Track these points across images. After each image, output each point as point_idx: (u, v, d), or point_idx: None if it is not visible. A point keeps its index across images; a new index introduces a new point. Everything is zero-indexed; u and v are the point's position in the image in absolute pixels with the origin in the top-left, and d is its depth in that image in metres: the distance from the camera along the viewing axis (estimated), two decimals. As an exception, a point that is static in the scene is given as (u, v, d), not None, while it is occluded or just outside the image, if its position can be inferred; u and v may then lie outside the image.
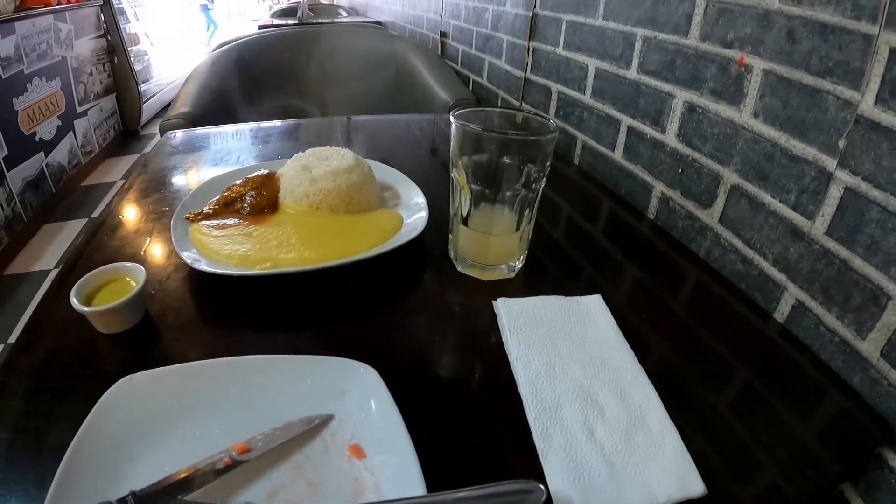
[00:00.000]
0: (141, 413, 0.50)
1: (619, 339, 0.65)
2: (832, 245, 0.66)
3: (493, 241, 0.75)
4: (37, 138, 3.21)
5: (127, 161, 4.26)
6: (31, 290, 2.54)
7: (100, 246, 0.85)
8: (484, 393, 0.60)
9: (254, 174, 0.93)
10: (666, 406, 0.56)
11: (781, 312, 0.74)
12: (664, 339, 0.70)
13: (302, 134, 1.49)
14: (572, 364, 0.61)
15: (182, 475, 0.45)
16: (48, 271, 2.70)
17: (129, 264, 0.68)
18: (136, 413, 0.50)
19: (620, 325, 0.68)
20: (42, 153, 3.26)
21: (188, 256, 0.73)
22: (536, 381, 0.58)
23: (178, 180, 1.13)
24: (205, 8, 7.11)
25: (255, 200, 0.86)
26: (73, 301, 0.61)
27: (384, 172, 0.99)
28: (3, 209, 2.75)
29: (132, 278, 0.67)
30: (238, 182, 0.91)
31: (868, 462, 0.61)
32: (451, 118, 0.70)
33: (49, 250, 2.89)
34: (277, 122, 1.56)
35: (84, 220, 3.23)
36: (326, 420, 0.52)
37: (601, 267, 0.86)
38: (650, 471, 0.49)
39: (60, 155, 3.51)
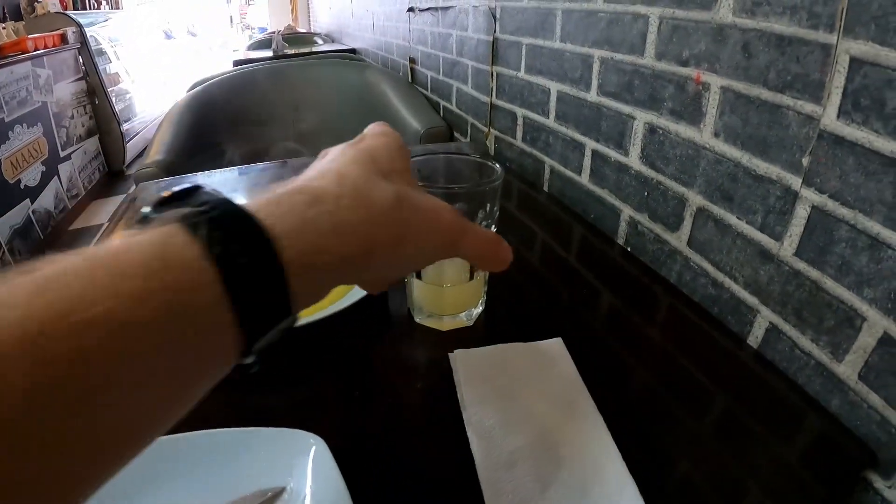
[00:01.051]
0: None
1: (579, 386, 0.61)
2: (802, 266, 0.63)
3: (447, 293, 0.71)
4: (21, 185, 3.19)
5: (113, 202, 4.23)
6: None
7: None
8: (436, 455, 0.56)
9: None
10: (640, 438, 0.55)
11: (755, 336, 0.71)
12: (638, 367, 0.67)
13: (275, 176, 1.45)
14: (530, 417, 0.58)
15: None
16: None
17: None
18: None
19: (590, 361, 0.64)
20: (28, 200, 3.24)
21: None
22: (490, 438, 0.55)
23: None
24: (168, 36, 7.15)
25: None
26: None
27: None
28: None
29: None
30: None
31: (854, 486, 0.59)
32: None
33: None
34: (263, 164, 1.51)
35: None
36: (279, 492, 0.49)
37: (571, 298, 0.83)
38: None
39: (46, 200, 3.49)
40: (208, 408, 0.59)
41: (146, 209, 0.28)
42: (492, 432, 0.55)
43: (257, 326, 0.27)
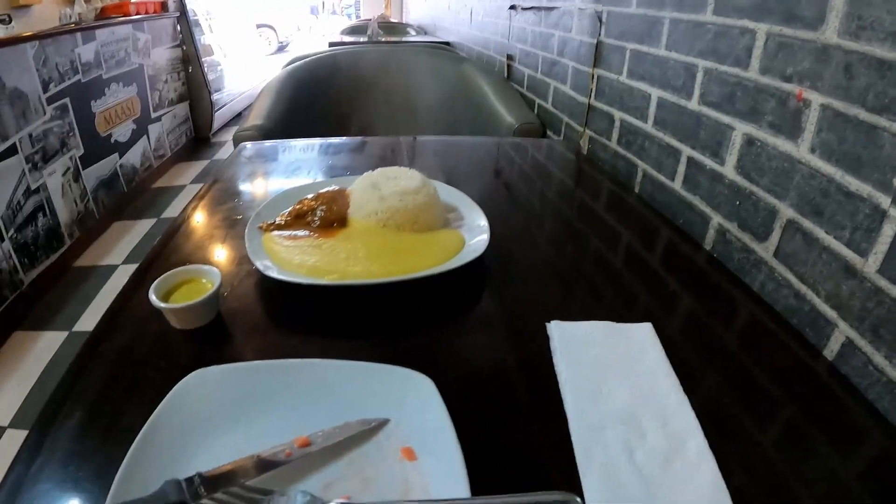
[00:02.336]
0: (210, 404, 0.57)
1: (667, 368, 0.68)
2: (884, 283, 0.67)
3: None
4: (112, 140, 3.49)
5: (197, 166, 4.53)
6: (98, 282, 2.75)
7: (176, 248, 0.97)
8: (532, 408, 0.64)
9: (324, 189, 1.01)
10: (709, 435, 0.59)
11: (831, 350, 0.75)
12: (713, 369, 0.72)
13: (368, 151, 1.59)
14: (619, 388, 0.64)
15: (246, 462, 0.52)
16: (116, 266, 2.91)
17: (205, 267, 0.76)
18: (205, 403, 0.57)
19: (670, 354, 0.71)
20: (116, 154, 3.55)
21: (261, 264, 0.81)
22: (583, 402, 0.62)
23: (250, 190, 1.25)
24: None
25: (325, 215, 0.94)
26: (152, 297, 0.70)
27: (449, 194, 1.05)
28: (76, 205, 3.00)
29: (208, 280, 0.75)
30: (309, 196, 0.99)
31: None
32: None
33: (118, 246, 3.13)
34: (345, 139, 1.65)
35: (153, 220, 3.47)
36: (382, 423, 0.57)
37: (656, 295, 0.89)
38: (685, 497, 0.52)
39: (133, 157, 3.80)
40: (321, 345, 0.69)
41: None
42: (585, 397, 0.63)
43: None
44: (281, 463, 0.52)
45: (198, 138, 5.08)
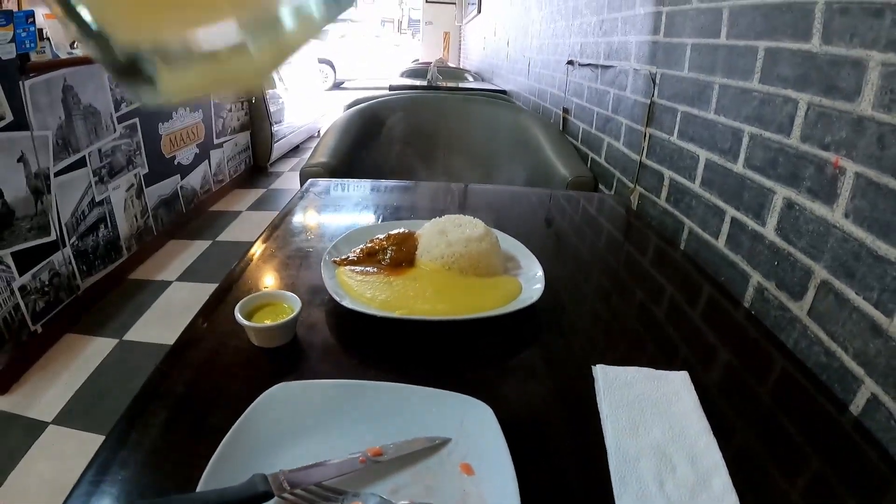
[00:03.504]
0: (292, 413, 0.67)
1: (699, 413, 0.75)
2: (908, 343, 0.73)
3: None
4: (175, 162, 3.72)
5: (254, 194, 4.74)
6: (151, 296, 2.90)
7: (254, 272, 1.09)
8: (575, 440, 0.72)
9: (395, 231, 1.12)
10: (734, 475, 0.64)
11: (857, 405, 0.80)
12: (743, 419, 0.78)
13: (421, 194, 1.69)
14: (654, 427, 0.72)
15: (324, 464, 0.61)
16: (169, 282, 3.06)
17: (287, 293, 0.87)
18: (288, 412, 0.67)
19: (704, 402, 0.77)
20: (178, 176, 3.77)
21: (336, 294, 0.91)
22: (621, 436, 0.70)
23: (318, 225, 1.41)
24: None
25: (395, 255, 1.05)
26: (238, 315, 0.80)
27: (508, 243, 1.15)
28: (136, 220, 3.19)
29: (289, 305, 0.86)
30: (381, 236, 1.10)
31: None
32: None
33: (172, 264, 3.30)
34: (403, 182, 1.79)
35: (208, 242, 3.65)
36: (445, 441, 0.66)
37: (694, 347, 0.96)
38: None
39: (194, 180, 4.02)
40: (388, 371, 0.78)
41: None
42: (623, 433, 0.71)
43: None
44: (355, 468, 0.61)
45: (256, 167, 5.31)
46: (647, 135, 1.60)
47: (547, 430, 0.73)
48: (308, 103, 6.46)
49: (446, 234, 1.05)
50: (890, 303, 0.76)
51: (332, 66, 11.89)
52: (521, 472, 0.59)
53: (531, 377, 0.83)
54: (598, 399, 0.77)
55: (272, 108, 5.30)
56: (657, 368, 0.82)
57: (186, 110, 3.81)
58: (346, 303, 0.89)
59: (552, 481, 0.64)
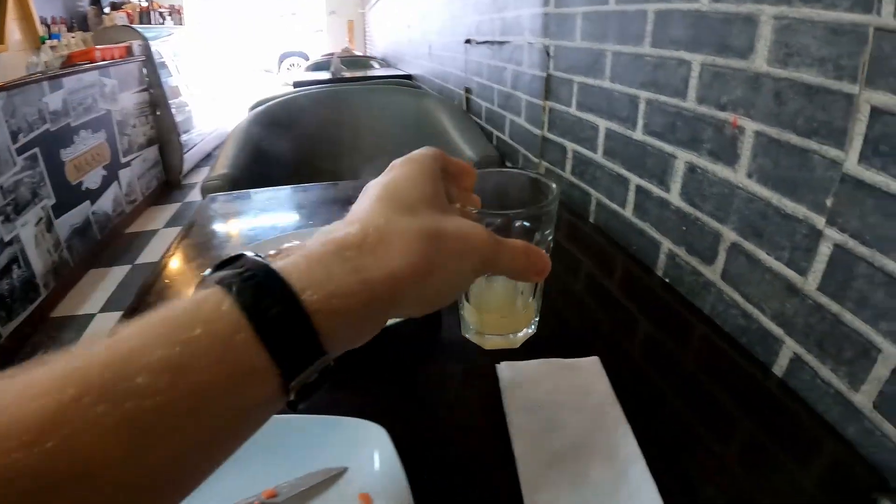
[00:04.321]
0: None
1: (612, 400, 0.69)
2: (824, 300, 0.69)
3: (489, 318, 0.77)
4: (83, 188, 3.46)
5: (169, 209, 4.52)
6: (76, 332, 2.71)
7: (156, 297, 0.97)
8: (481, 451, 0.65)
9: (286, 245, 1.00)
10: (665, 453, 0.61)
11: (780, 366, 0.76)
12: (668, 389, 0.74)
13: (337, 196, 1.58)
14: (567, 425, 0.65)
15: None
16: (93, 314, 2.87)
17: None
18: None
19: (625, 381, 0.72)
20: (88, 202, 3.52)
21: None
22: (530, 442, 0.63)
23: (221, 242, 1.26)
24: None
25: None
26: None
27: None
28: (50, 254, 2.96)
29: None
30: (272, 252, 0.98)
31: None
32: None
33: (94, 295, 3.09)
34: (314, 185, 1.65)
35: (128, 267, 3.45)
36: (341, 472, 0.59)
37: (612, 323, 0.91)
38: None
39: (105, 203, 3.76)
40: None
41: (207, 272, 0.35)
42: (532, 436, 0.64)
43: (292, 366, 0.31)
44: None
45: (169, 181, 5.06)
46: (547, 108, 1.55)
47: (449, 444, 0.66)
48: (216, 106, 6.25)
49: None
50: (802, 261, 0.72)
51: (306, 58, 11.49)
52: (422, 497, 0.53)
53: (430, 386, 0.77)
54: (503, 402, 0.70)
55: (178, 118, 5.07)
56: (573, 352, 0.77)
57: (89, 131, 3.56)
58: None
59: (456, 499, 0.59)
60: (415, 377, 0.79)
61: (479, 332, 0.79)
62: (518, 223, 0.68)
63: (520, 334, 0.79)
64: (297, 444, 0.61)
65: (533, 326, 0.80)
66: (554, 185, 0.65)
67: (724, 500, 0.58)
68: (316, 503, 0.56)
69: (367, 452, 0.60)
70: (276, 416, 0.61)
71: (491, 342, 0.79)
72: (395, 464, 0.57)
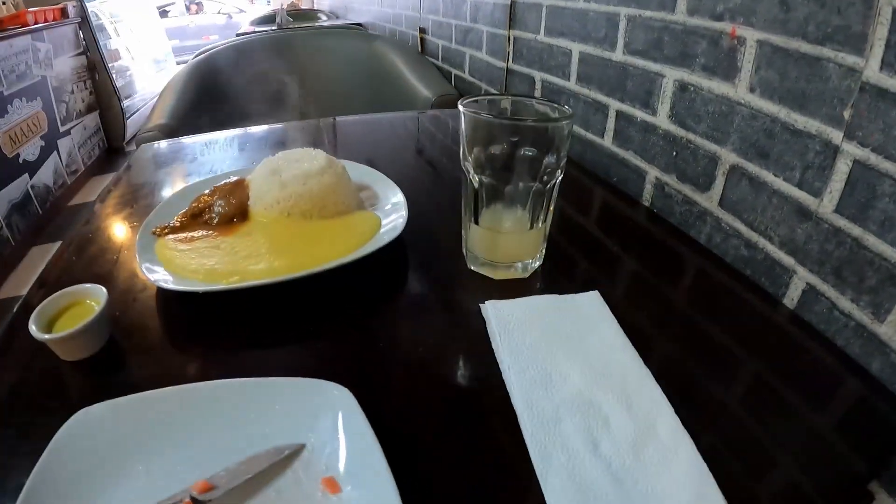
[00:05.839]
0: (99, 448, 0.45)
1: (621, 339, 0.60)
2: (843, 223, 0.62)
3: (502, 240, 0.71)
4: (20, 160, 3.17)
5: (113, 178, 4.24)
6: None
7: (68, 268, 0.81)
8: (473, 409, 0.54)
9: (222, 182, 0.88)
10: (678, 409, 0.51)
11: (791, 298, 0.69)
12: (667, 333, 0.65)
13: (286, 139, 1.44)
14: (571, 370, 0.55)
15: None
16: None
17: (89, 286, 0.63)
18: (94, 448, 0.45)
19: (620, 322, 0.62)
20: (27, 175, 3.22)
21: (151, 274, 0.68)
22: (531, 392, 0.53)
23: (152, 195, 1.07)
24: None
25: (224, 210, 0.81)
26: (32, 328, 0.56)
27: (360, 172, 0.93)
28: None
29: (94, 300, 0.62)
30: (206, 192, 0.86)
31: (894, 452, 0.56)
32: (461, 107, 0.64)
33: (38, 273, 2.86)
34: (258, 129, 1.51)
35: None
36: (297, 450, 0.47)
37: (597, 260, 0.81)
38: (663, 487, 0.44)
39: (45, 175, 3.47)
40: (227, 361, 0.59)
41: None
42: (533, 386, 0.54)
43: None
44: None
45: (111, 148, 4.73)
46: (512, 38, 1.43)
47: (433, 405, 0.54)
48: (159, 68, 5.94)
49: (279, 174, 0.83)
50: (816, 181, 0.64)
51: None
52: (405, 475, 0.41)
53: (406, 337, 0.65)
54: (493, 346, 0.59)
55: (119, 82, 4.76)
56: (561, 293, 0.67)
57: (23, 100, 3.27)
58: (163, 282, 0.67)
59: (450, 479, 0.47)
60: (386, 324, 0.68)
61: (486, 261, 0.71)
62: (521, 150, 0.61)
63: (530, 263, 0.74)
64: (241, 416, 0.49)
65: (540, 258, 0.74)
66: (568, 109, 0.62)
67: (733, 451, 0.49)
68: (267, 494, 0.44)
69: (328, 423, 0.48)
70: (211, 382, 0.50)
71: (501, 272, 0.71)
72: (367, 435, 0.45)
